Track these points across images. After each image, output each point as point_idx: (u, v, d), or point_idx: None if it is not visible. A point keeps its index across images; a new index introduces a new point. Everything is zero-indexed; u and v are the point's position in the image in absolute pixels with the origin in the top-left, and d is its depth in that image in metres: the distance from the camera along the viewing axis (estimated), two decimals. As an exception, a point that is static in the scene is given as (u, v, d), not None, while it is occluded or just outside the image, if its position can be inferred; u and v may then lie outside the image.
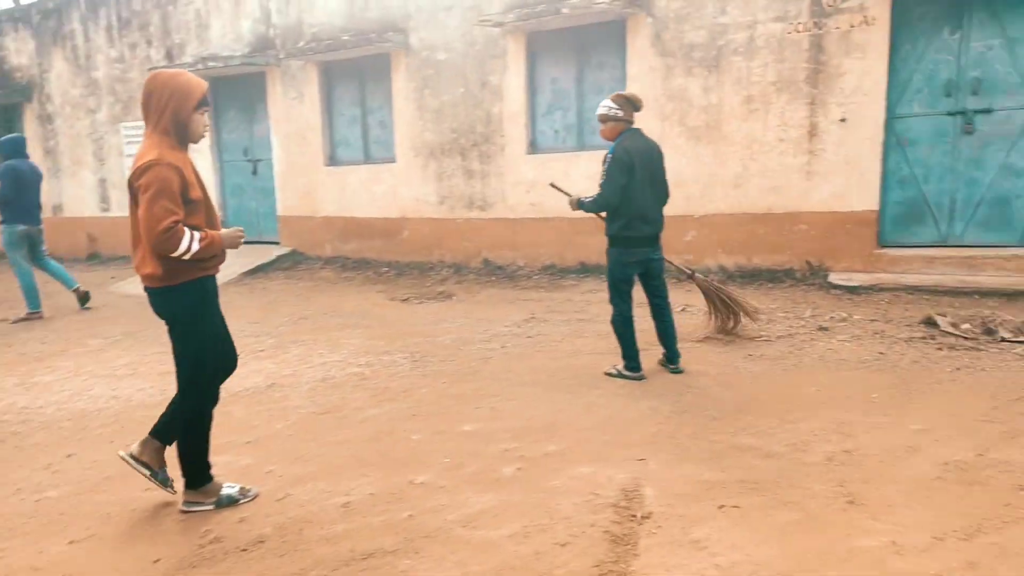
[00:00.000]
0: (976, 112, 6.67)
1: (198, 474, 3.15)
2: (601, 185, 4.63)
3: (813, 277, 7.24)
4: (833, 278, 7.03)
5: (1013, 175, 6.61)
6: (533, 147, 8.88)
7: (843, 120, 7.07)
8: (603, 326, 5.91)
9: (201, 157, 11.52)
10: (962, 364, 4.75)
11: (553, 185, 5.41)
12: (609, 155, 4.61)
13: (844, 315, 6.15)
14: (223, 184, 11.65)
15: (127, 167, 10.57)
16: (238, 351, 3.25)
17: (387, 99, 9.88)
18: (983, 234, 6.77)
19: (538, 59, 8.77)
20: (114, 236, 12.32)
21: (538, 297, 7.75)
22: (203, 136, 3.05)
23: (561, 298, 7.59)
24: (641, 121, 5.70)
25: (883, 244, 7.12)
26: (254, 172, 11.36)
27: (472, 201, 9.30)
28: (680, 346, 5.02)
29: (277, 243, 11.17)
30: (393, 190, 9.89)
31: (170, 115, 2.88)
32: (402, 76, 9.55)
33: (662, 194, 4.87)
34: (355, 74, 10.14)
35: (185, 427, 3.11)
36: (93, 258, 12.86)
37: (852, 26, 6.93)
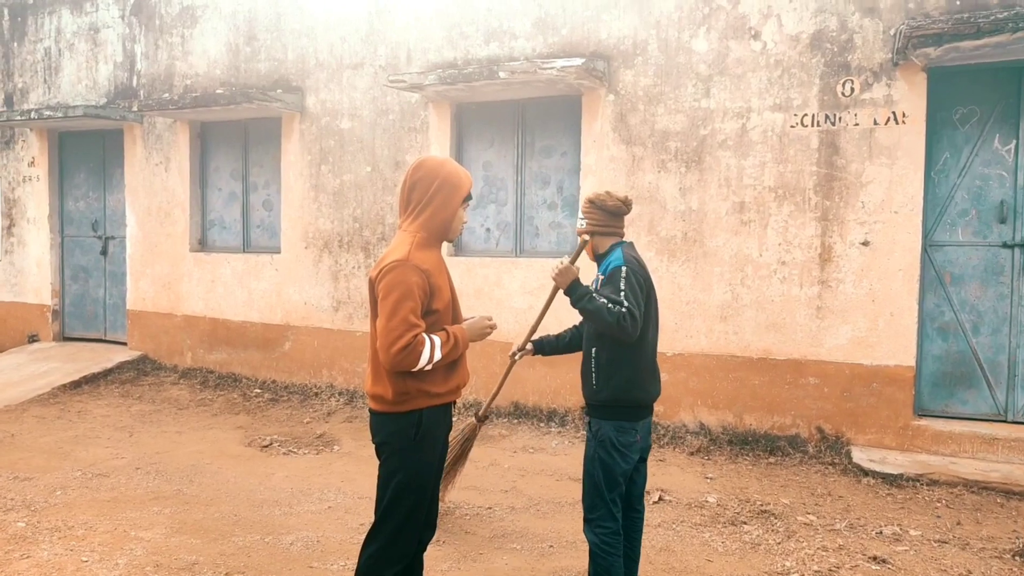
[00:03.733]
0: (1042, 245, 5.05)
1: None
2: (630, 308, 2.90)
3: (829, 452, 5.33)
4: (859, 457, 5.13)
5: (1096, 332, 4.96)
6: (457, 247, 6.88)
7: (866, 243, 5.34)
8: (546, 543, 3.79)
9: (35, 229, 9.05)
10: None
11: (583, 242, 3.21)
12: (623, 268, 2.98)
13: (896, 529, 4.21)
14: (62, 265, 9.14)
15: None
16: None
17: (275, 174, 7.76)
18: (1055, 408, 5.05)
19: (467, 137, 6.87)
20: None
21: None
22: (460, 233, 2.86)
23: (484, 461, 5.43)
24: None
25: (920, 412, 5.31)
26: (104, 252, 8.93)
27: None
28: None
29: (124, 344, 8.67)
30: (276, 288, 7.66)
31: (434, 209, 2.68)
32: (295, 146, 7.48)
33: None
34: (237, 140, 8.01)
35: None
36: None
37: (876, 123, 5.29)
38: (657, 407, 5.85)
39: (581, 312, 2.98)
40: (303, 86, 7.40)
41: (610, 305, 2.86)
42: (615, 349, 2.98)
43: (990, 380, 5.17)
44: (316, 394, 7.28)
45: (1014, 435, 4.93)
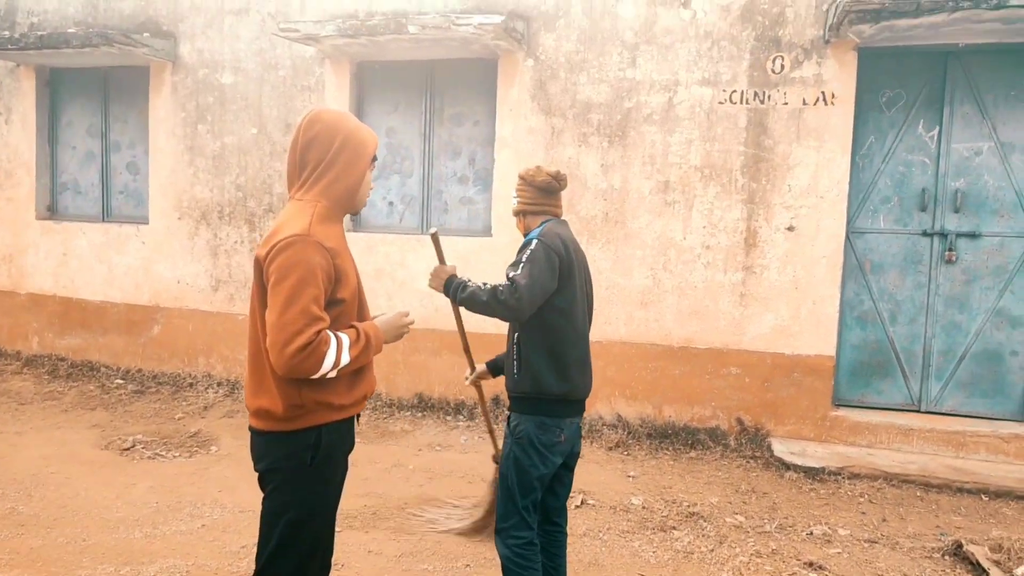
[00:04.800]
0: (960, 235, 5.01)
1: None
2: (512, 277, 2.59)
3: (749, 444, 5.13)
4: (779, 449, 4.96)
5: (1008, 324, 4.98)
6: (355, 222, 6.20)
7: (791, 229, 5.14)
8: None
9: None
10: None
11: (434, 237, 2.83)
12: (533, 241, 2.69)
13: (825, 528, 4.03)
14: None
15: None
16: None
17: (142, 132, 6.75)
18: (967, 400, 5.05)
19: (369, 100, 6.17)
20: None
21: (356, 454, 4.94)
22: (365, 204, 2.28)
23: (386, 460, 4.86)
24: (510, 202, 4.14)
25: (837, 403, 5.21)
26: (-72, 217, 7.55)
27: (261, 291, 6.35)
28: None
29: (-45, 327, 7.39)
30: (144, 264, 6.68)
31: (337, 172, 2.14)
32: (166, 101, 6.50)
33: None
34: (95, 91, 6.91)
35: None
36: None
37: (805, 103, 5.08)
38: (573, 398, 5.50)
39: (463, 307, 2.69)
40: (176, 32, 6.43)
41: (484, 284, 2.63)
42: (537, 334, 2.66)
43: (905, 370, 5.12)
44: (191, 385, 6.42)
45: (928, 425, 4.89)
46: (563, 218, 2.92)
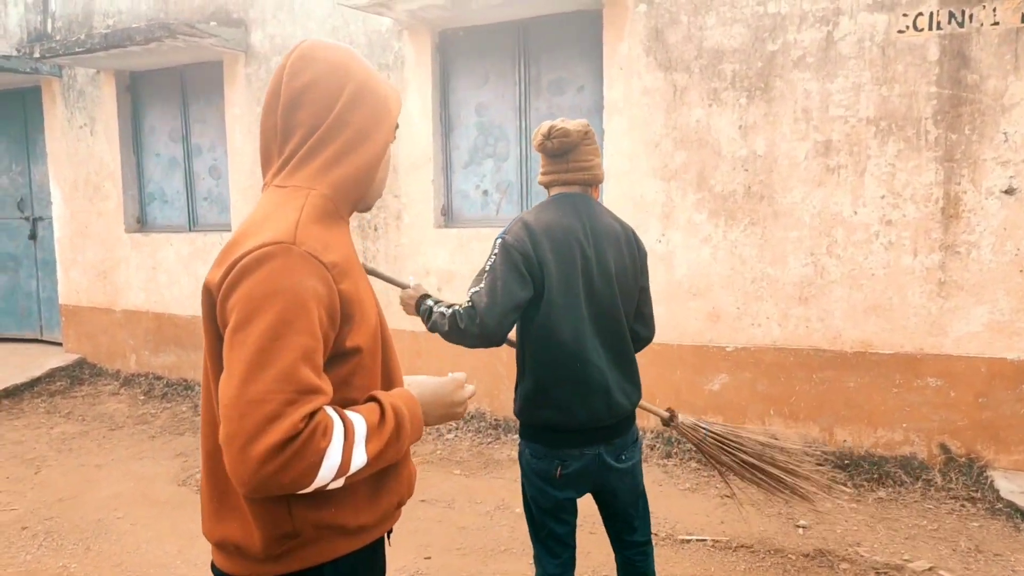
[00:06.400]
0: None
1: None
2: (471, 296, 2.13)
3: (962, 479, 3.88)
4: (1007, 488, 3.69)
5: None
6: (447, 216, 5.41)
7: (1010, 192, 3.83)
8: None
9: (-50, 212, 7.60)
10: None
11: (370, 270, 2.31)
12: (497, 241, 2.18)
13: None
14: (-14, 253, 7.72)
15: None
16: None
17: (221, 133, 6.26)
18: None
19: (455, 75, 5.34)
20: None
21: (454, 490, 4.13)
22: (380, 196, 1.46)
23: (490, 500, 4.01)
24: (630, 180, 4.28)
25: (1089, 422, 3.86)
26: (32, 236, 7.51)
27: (349, 299, 5.69)
28: None
29: (60, 344, 7.30)
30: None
31: (344, 145, 1.31)
32: (240, 96, 5.96)
33: (633, 328, 2.33)
34: (173, 93, 6.50)
35: None
36: None
37: None
38: (715, 418, 4.43)
39: (437, 332, 2.23)
40: (246, 18, 5.86)
41: (445, 310, 2.19)
42: (526, 348, 2.20)
43: None
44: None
45: None
46: (576, 188, 2.29)
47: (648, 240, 4.40)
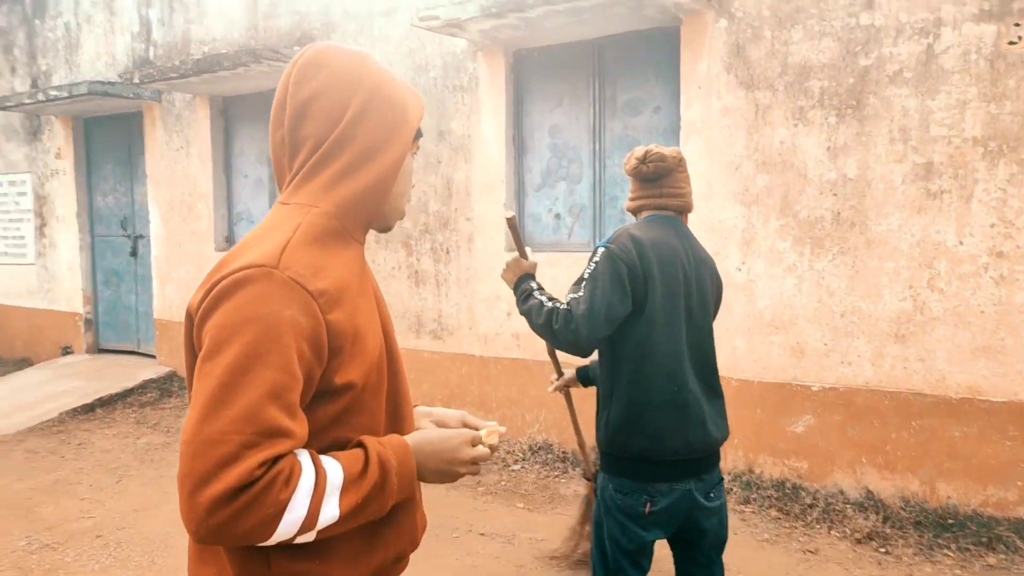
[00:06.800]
0: None
1: None
2: (570, 301, 2.06)
3: (1085, 551, 3.42)
4: None
5: None
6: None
7: None
8: None
9: (64, 228, 8.16)
10: None
11: (511, 222, 2.34)
12: (599, 249, 2.13)
13: None
14: (93, 268, 8.22)
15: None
16: None
17: (303, 154, 6.41)
18: None
19: (529, 96, 5.24)
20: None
21: (516, 524, 3.98)
22: (404, 214, 1.34)
23: (554, 536, 3.84)
24: (708, 205, 4.14)
25: None
26: (133, 253, 7.93)
27: (421, 322, 5.68)
28: None
29: (154, 357, 7.66)
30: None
31: (354, 157, 1.20)
32: (322, 119, 6.09)
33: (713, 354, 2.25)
34: (261, 116, 6.73)
35: None
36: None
37: None
38: (799, 463, 4.10)
39: (534, 330, 2.19)
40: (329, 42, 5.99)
41: (548, 301, 2.12)
42: (611, 370, 2.12)
43: None
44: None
45: None
46: (670, 213, 2.23)
47: (726, 268, 4.14)
